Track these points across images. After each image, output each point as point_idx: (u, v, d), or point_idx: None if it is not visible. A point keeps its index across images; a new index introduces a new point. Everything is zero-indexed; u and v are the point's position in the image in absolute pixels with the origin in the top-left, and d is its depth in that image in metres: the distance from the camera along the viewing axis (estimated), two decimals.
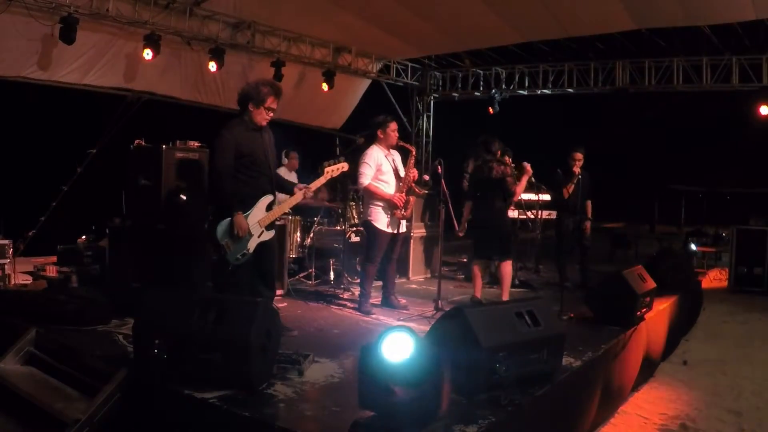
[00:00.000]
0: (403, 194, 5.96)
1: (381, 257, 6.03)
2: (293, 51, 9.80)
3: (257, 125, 4.75)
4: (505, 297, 6.02)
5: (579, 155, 7.38)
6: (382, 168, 5.92)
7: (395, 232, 5.99)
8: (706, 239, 12.34)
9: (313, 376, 3.92)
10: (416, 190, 6.13)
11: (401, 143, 6.11)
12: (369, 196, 5.98)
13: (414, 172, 6.07)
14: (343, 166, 5.13)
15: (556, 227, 7.66)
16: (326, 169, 5.07)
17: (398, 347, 3.03)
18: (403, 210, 5.93)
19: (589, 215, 7.61)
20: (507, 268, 6.15)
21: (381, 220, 5.91)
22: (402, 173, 6.05)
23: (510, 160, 6.33)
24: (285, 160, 8.61)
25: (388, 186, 5.96)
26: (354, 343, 4.73)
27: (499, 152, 6.25)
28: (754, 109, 9.90)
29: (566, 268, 7.53)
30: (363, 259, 6.31)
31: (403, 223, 6.09)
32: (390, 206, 5.90)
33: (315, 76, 10.48)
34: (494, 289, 6.78)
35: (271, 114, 4.77)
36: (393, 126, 6.02)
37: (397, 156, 6.16)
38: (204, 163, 5.68)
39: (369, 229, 6.02)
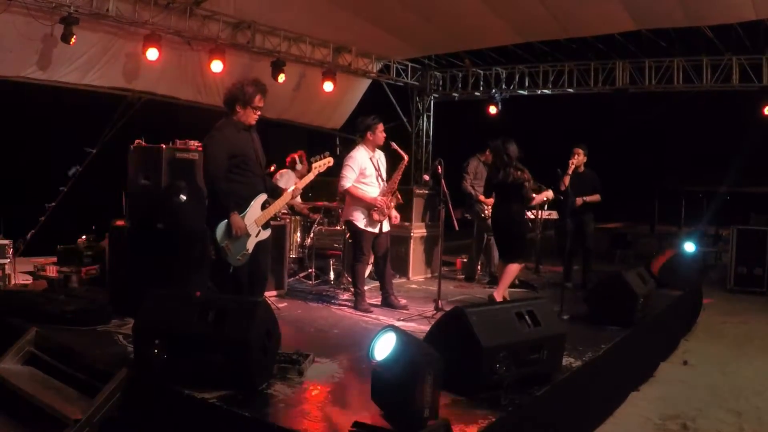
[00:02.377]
0: (386, 198, 6.01)
1: (368, 256, 6.12)
2: (293, 51, 9.78)
3: (246, 125, 4.76)
4: (498, 297, 6.02)
5: (576, 149, 7.43)
6: (365, 171, 6.00)
7: (378, 231, 6.04)
8: (706, 239, 12.35)
9: (313, 376, 3.92)
10: (398, 196, 6.16)
11: (396, 149, 6.17)
12: (351, 197, 6.05)
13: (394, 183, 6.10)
14: (329, 161, 5.20)
15: (559, 227, 7.64)
16: (313, 165, 5.13)
17: (384, 346, 3.10)
18: (381, 214, 5.97)
19: (587, 199, 7.41)
20: (511, 269, 6.17)
21: (360, 219, 5.98)
22: (384, 173, 6.10)
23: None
24: (299, 165, 8.09)
25: (370, 188, 6.02)
26: (354, 343, 4.75)
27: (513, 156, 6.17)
28: (753, 108, 9.89)
29: (572, 269, 7.54)
30: (351, 260, 6.35)
31: (386, 222, 6.11)
32: (369, 207, 5.97)
33: (315, 75, 10.48)
34: (494, 289, 6.77)
35: (259, 113, 4.77)
36: (381, 127, 6.10)
37: (381, 156, 6.20)
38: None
39: (351, 229, 6.12)
